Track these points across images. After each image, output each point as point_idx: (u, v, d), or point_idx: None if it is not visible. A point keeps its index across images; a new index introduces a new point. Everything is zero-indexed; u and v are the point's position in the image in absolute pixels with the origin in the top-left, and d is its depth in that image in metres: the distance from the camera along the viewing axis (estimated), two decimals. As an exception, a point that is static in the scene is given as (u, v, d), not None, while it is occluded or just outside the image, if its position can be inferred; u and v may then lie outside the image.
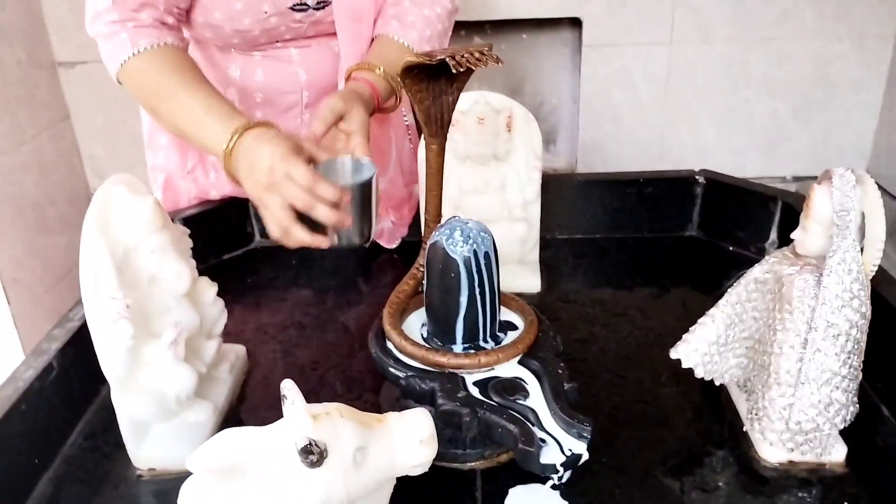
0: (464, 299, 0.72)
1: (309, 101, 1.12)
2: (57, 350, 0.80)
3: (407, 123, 1.19)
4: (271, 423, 0.80)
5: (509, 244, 1.01)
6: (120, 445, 0.75)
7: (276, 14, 1.00)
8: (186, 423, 0.76)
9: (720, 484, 0.71)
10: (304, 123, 1.14)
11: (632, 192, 1.17)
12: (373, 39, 1.07)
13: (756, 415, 0.73)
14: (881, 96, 1.75)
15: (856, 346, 0.68)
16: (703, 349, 0.76)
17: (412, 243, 1.18)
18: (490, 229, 0.72)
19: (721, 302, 0.75)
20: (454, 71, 0.64)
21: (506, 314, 0.80)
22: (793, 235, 0.71)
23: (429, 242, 0.74)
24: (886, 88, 1.74)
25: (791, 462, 0.72)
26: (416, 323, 0.80)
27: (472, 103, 0.94)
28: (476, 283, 0.72)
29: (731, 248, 1.14)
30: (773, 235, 1.09)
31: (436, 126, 0.72)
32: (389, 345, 0.75)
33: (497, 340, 0.75)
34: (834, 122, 1.78)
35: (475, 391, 0.69)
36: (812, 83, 1.77)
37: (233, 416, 0.82)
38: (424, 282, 0.76)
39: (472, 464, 0.73)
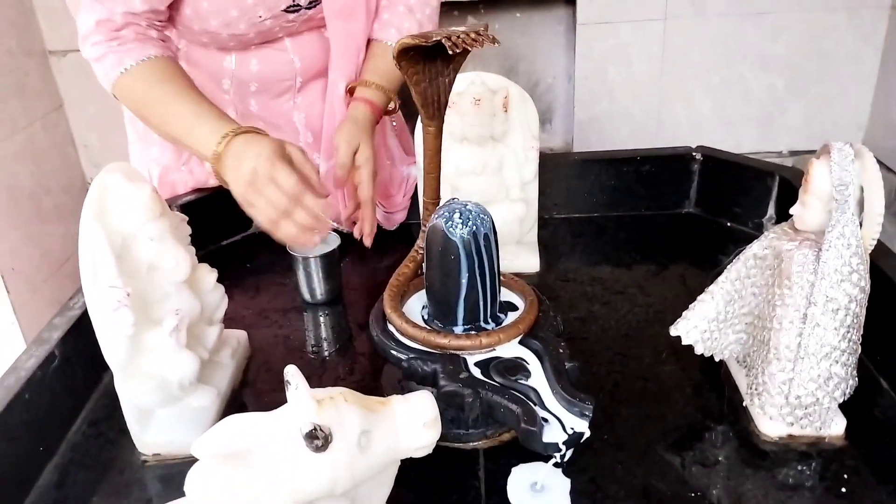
0: (464, 281, 0.72)
1: (301, 86, 1.12)
2: (58, 338, 0.80)
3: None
4: (274, 407, 0.82)
5: (507, 225, 1.01)
6: (124, 431, 0.75)
7: (270, 17, 1.00)
8: (190, 408, 0.76)
9: (720, 458, 0.72)
10: (296, 106, 1.14)
11: (629, 171, 1.17)
12: (369, 41, 1.10)
13: (756, 390, 0.73)
14: (877, 68, 1.75)
15: (855, 321, 0.68)
16: (702, 326, 0.76)
17: (411, 225, 1.18)
18: (488, 209, 0.72)
19: (720, 279, 0.75)
20: (450, 52, 0.63)
21: (506, 294, 0.80)
22: (791, 211, 0.71)
23: (428, 225, 0.74)
24: (882, 60, 1.73)
25: (790, 436, 0.73)
26: (417, 305, 0.80)
27: (468, 84, 0.94)
28: (476, 265, 0.72)
29: (728, 224, 1.15)
30: (771, 210, 1.09)
31: (433, 108, 0.72)
32: (390, 327, 0.75)
33: (498, 321, 0.76)
34: (830, 94, 1.78)
35: (477, 372, 0.70)
36: (807, 56, 1.76)
37: (235, 401, 0.82)
38: (424, 264, 0.76)
39: (475, 443, 0.74)
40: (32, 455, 0.74)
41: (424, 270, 0.77)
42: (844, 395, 0.71)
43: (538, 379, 0.69)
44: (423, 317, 0.78)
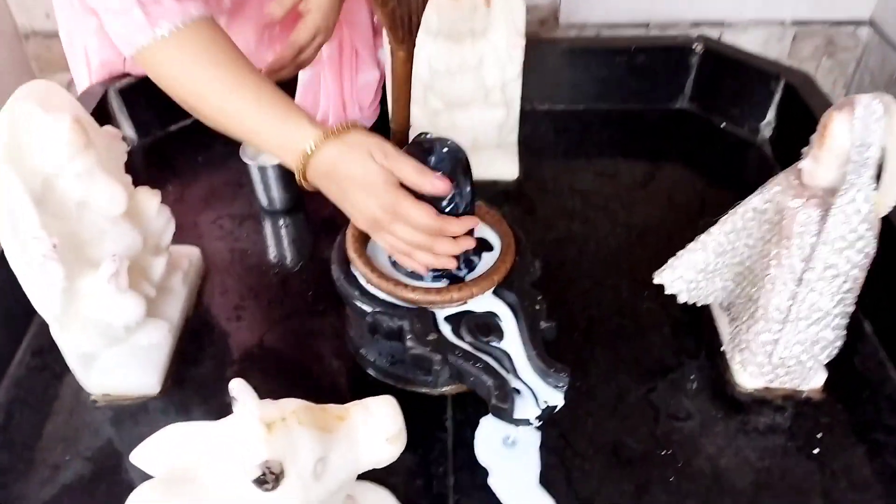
0: (436, 225, 0.65)
1: None
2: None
3: None
4: (230, 338, 0.77)
5: (486, 131, 0.92)
6: (70, 366, 0.70)
7: None
8: (139, 346, 0.71)
9: (693, 412, 0.70)
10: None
11: (621, 61, 1.06)
12: None
13: (738, 345, 0.70)
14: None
15: (853, 285, 0.64)
16: (689, 276, 0.71)
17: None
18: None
19: (714, 229, 0.69)
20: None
21: (480, 229, 0.74)
22: (801, 165, 0.64)
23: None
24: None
25: (767, 388, 0.71)
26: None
27: (446, -30, 0.81)
28: (449, 211, 0.64)
29: (723, 126, 1.06)
30: (771, 115, 1.01)
31: (402, 31, 0.61)
32: (354, 271, 0.69)
33: (470, 265, 0.70)
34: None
35: (447, 329, 0.65)
36: None
37: (189, 332, 0.77)
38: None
39: (443, 389, 0.71)
40: (-29, 395, 0.70)
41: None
42: (830, 356, 0.68)
43: (511, 340, 0.64)
44: (389, 258, 0.71)
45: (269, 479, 0.40)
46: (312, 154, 0.62)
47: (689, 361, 0.74)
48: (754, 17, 1.53)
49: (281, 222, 0.92)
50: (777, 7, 1.53)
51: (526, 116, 1.03)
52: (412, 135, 0.68)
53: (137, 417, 0.70)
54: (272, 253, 0.87)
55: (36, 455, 0.67)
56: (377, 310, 0.66)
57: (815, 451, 0.67)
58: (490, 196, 0.93)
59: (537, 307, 0.66)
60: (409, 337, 0.63)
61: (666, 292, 0.73)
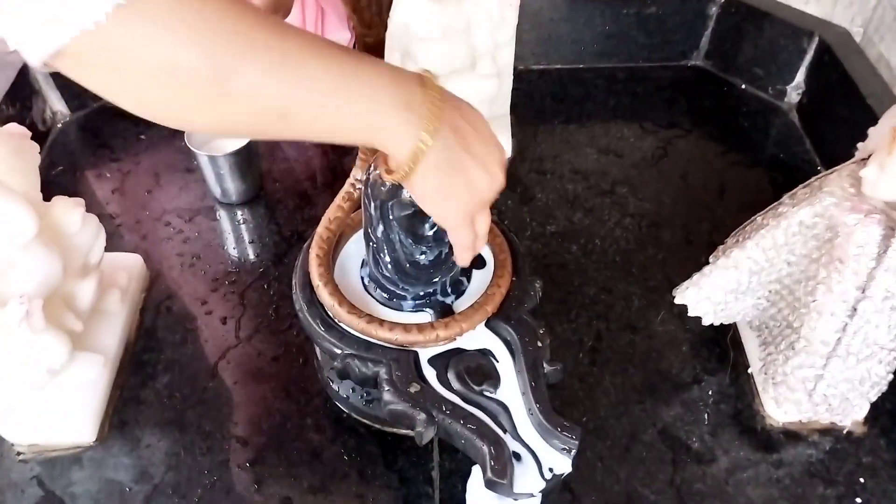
0: (419, 246, 0.54)
1: None
2: None
3: None
4: (181, 365, 0.66)
5: (475, 105, 0.78)
6: (-14, 421, 0.60)
7: None
8: (68, 387, 0.60)
9: (718, 453, 0.60)
10: None
11: (629, 13, 0.91)
12: None
13: (772, 377, 0.60)
14: None
15: (915, 316, 0.54)
16: (717, 297, 0.60)
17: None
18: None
19: (749, 244, 0.58)
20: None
21: (470, 239, 0.62)
22: (862, 173, 0.52)
23: (370, 171, 0.53)
24: None
25: (801, 422, 0.62)
26: (356, 253, 0.61)
27: (424, -86, 0.66)
28: (430, 222, 0.53)
29: (743, 87, 0.94)
30: (800, 78, 0.88)
31: (369, 13, 0.47)
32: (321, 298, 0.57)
33: (458, 289, 0.59)
34: None
35: (431, 374, 0.54)
36: None
37: (130, 363, 0.66)
38: (363, 212, 0.57)
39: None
40: None
41: (363, 217, 0.57)
42: (880, 392, 0.58)
43: (509, 389, 0.54)
44: (362, 278, 0.60)
45: None
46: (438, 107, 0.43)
47: (711, 387, 0.65)
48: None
49: (238, 217, 0.79)
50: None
51: (518, 78, 0.88)
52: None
53: (70, 471, 0.60)
54: (228, 257, 0.75)
55: (-50, 524, 0.57)
56: (347, 352, 0.55)
57: (858, 500, 0.58)
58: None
59: (539, 344, 0.55)
60: (386, 389, 0.53)
61: (689, 314, 0.62)
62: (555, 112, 0.91)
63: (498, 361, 0.55)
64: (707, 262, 0.69)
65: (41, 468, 0.60)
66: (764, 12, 0.88)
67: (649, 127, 0.89)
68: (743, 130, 0.89)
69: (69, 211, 0.60)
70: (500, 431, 0.52)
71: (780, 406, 0.60)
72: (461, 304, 0.58)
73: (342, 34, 0.86)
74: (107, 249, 0.65)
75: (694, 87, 0.94)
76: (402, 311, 0.58)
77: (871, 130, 0.57)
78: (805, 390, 0.58)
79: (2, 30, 0.34)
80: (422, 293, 0.58)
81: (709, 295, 0.60)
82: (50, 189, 0.62)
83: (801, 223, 0.55)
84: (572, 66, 0.96)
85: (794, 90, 0.89)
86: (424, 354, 0.55)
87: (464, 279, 0.59)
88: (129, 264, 0.70)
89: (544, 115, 0.91)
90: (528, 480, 0.50)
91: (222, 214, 0.79)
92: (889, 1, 1.20)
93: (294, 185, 0.82)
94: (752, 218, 0.64)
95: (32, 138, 0.61)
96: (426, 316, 0.57)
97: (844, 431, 0.61)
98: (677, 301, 0.62)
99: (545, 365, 0.55)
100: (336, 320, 0.56)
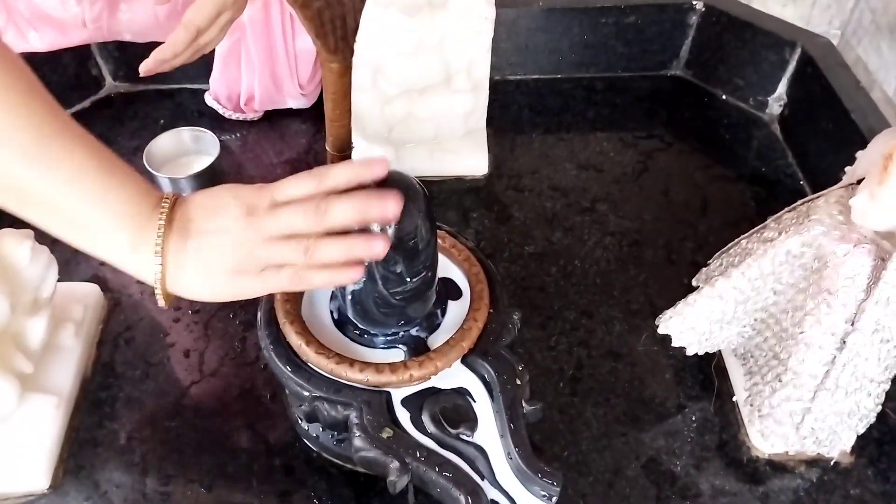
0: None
1: None
2: None
3: None
4: (143, 401, 0.63)
5: (449, 120, 0.76)
6: (-71, 472, 0.56)
7: None
8: (19, 432, 0.57)
9: (702, 486, 0.58)
10: None
11: (608, 23, 0.89)
12: None
13: (759, 409, 0.58)
14: None
15: (906, 349, 0.52)
16: (702, 328, 0.58)
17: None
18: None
19: (735, 273, 0.56)
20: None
21: (445, 267, 0.59)
22: (852, 202, 0.50)
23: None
24: None
25: (787, 453, 0.60)
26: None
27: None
28: (405, 262, 0.50)
29: (724, 97, 0.91)
30: (782, 89, 0.86)
31: (334, 38, 0.44)
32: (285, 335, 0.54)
33: (433, 323, 0.56)
34: None
35: (405, 417, 0.51)
36: None
37: (87, 402, 0.62)
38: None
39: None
40: None
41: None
42: (868, 424, 0.57)
43: (487, 432, 0.51)
44: (331, 312, 0.57)
45: None
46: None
47: (695, 416, 0.63)
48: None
49: (202, 239, 0.75)
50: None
51: (495, 89, 0.86)
52: (354, 157, 0.53)
53: (26, 523, 0.56)
54: (192, 282, 0.71)
55: None
56: (316, 394, 0.52)
57: (848, 535, 0.56)
58: (456, 198, 0.78)
59: (518, 382, 0.53)
60: (357, 435, 0.50)
61: (673, 344, 0.60)
62: (533, 124, 0.88)
63: (475, 401, 0.53)
64: (690, 284, 0.67)
65: (-9, 519, 0.56)
66: (745, 22, 0.85)
67: (629, 139, 0.87)
68: (724, 142, 0.87)
69: (17, 245, 0.56)
70: (477, 478, 0.49)
71: (767, 439, 0.58)
72: (436, 340, 0.55)
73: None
74: (61, 278, 0.62)
75: (674, 97, 0.92)
76: (374, 347, 0.55)
77: (859, 154, 0.55)
78: (792, 423, 0.56)
79: None
80: (392, 330, 0.55)
81: (693, 325, 0.58)
82: (-4, 220, 0.58)
83: (788, 252, 0.53)
84: (550, 77, 0.93)
85: (776, 101, 0.87)
86: (398, 395, 0.52)
87: (437, 312, 0.57)
88: (85, 294, 0.67)
89: (522, 126, 0.88)
90: (507, 531, 0.48)
91: (186, 237, 0.75)
92: (867, 4, 1.18)
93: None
94: (737, 240, 0.62)
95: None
96: (399, 353, 0.54)
97: (832, 462, 0.59)
98: (661, 331, 0.60)
99: (524, 404, 0.53)
100: (304, 360, 0.53)
